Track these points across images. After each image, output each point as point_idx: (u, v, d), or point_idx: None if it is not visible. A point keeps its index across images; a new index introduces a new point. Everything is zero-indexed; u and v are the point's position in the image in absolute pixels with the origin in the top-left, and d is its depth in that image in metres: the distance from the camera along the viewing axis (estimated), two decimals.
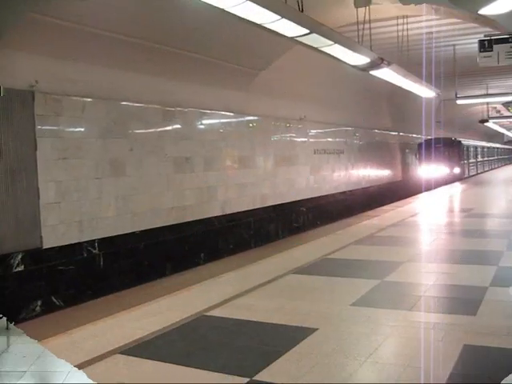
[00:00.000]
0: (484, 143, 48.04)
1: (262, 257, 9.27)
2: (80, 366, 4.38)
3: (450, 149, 30.62)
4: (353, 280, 7.34)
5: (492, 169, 48.93)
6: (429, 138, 30.26)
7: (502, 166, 57.00)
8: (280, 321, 5.57)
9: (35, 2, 8.77)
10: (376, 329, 5.16)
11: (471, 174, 36.53)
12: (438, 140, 29.96)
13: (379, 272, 7.57)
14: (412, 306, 5.86)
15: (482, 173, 40.68)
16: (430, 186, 23.34)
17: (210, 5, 6.63)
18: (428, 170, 29.51)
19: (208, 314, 5.86)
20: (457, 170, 30.66)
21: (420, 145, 30.89)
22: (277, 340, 5.04)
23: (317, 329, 5.18)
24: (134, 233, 11.56)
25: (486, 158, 46.45)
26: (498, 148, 57.92)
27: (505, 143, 62.73)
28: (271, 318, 5.67)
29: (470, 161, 37.09)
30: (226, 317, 5.80)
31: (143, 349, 4.85)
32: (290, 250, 9.94)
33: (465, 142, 33.70)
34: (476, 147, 40.34)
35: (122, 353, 4.74)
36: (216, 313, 5.89)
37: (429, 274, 7.61)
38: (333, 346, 4.74)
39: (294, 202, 18.17)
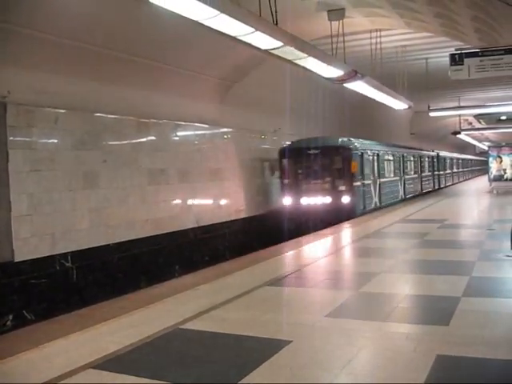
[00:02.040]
0: (446, 152, 40.58)
1: (239, 268, 9.23)
2: (51, 382, 4.31)
3: (336, 160, 17.94)
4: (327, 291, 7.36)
5: (456, 182, 44.17)
6: (298, 141, 18.76)
7: (470, 178, 54.45)
8: (254, 333, 5.54)
9: (7, 13, 8.68)
10: (350, 340, 5.17)
11: (426, 189, 30.47)
12: (312, 143, 18.03)
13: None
14: (386, 317, 5.89)
15: (440, 188, 34.95)
16: (304, 228, 15.07)
17: (185, 17, 6.65)
18: (296, 198, 17.82)
19: (183, 326, 5.81)
20: (346, 199, 17.49)
21: (283, 152, 18.18)
22: (251, 352, 5.01)
23: (291, 341, 5.16)
24: (108, 245, 11.45)
25: (448, 171, 40.34)
26: (465, 159, 53.98)
27: (477, 154, 63.64)
28: (246, 330, 5.65)
29: (424, 174, 30.69)
30: (200, 329, 5.75)
31: (116, 363, 4.78)
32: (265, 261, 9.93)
33: (376, 147, 21.40)
34: (431, 157, 32.90)
35: (95, 367, 4.67)
36: (191, 325, 5.85)
37: (403, 284, 7.67)
38: (307, 358, 4.74)
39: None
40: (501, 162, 28.72)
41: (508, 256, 9.09)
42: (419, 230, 13.56)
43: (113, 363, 4.77)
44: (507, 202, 22.33)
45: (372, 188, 19.87)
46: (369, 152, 19.74)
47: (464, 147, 58.70)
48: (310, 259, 9.88)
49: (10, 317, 9.21)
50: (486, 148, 38.25)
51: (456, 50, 10.59)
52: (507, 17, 9.97)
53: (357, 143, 18.76)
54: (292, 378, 4.32)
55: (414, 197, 26.36)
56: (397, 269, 8.82)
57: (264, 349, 5.04)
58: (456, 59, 10.37)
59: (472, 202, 24.82)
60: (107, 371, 4.59)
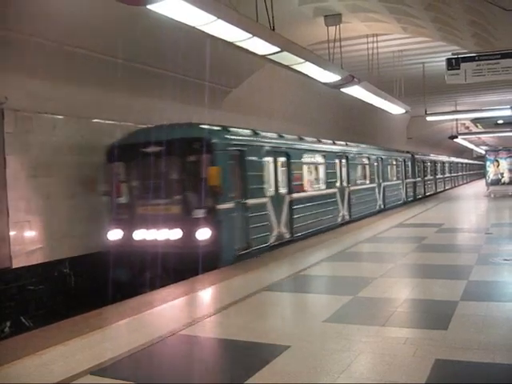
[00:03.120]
0: (433, 156, 35.74)
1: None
2: None
3: (188, 164, 10.70)
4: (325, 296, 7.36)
5: (451, 187, 42.20)
6: (134, 132, 11.52)
7: (466, 183, 53.14)
8: (252, 339, 5.54)
9: (5, 19, 8.69)
10: (349, 345, 5.16)
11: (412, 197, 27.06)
12: (154, 134, 10.70)
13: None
14: (384, 322, 5.89)
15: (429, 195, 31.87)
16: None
17: (183, 23, 6.67)
18: (127, 230, 10.75)
19: (180, 332, 5.81)
20: (203, 234, 10.05)
21: (111, 152, 10.89)
22: (249, 358, 5.01)
23: (289, 346, 5.16)
24: None
25: (440, 176, 36.87)
26: (460, 163, 51.33)
27: (474, 158, 63.74)
28: (243, 335, 5.64)
29: (407, 181, 26.26)
30: (197, 335, 5.75)
31: (114, 369, 4.77)
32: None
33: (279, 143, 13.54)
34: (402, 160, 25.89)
35: (93, 374, 4.66)
36: (188, 331, 5.84)
37: (401, 289, 7.68)
38: (306, 363, 4.73)
39: None
40: (498, 165, 28.77)
41: (506, 260, 9.11)
42: (417, 234, 13.57)
43: (111, 369, 4.76)
44: (504, 206, 22.36)
45: (271, 211, 12.22)
46: (265, 151, 12.22)
47: (461, 151, 58.80)
48: (310, 263, 9.88)
49: (8, 323, 9.17)
50: (484, 152, 38.22)
51: (452, 54, 10.63)
52: (504, 21, 10.02)
53: (231, 134, 11.10)
54: (290, 383, 4.32)
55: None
56: (395, 273, 8.83)
57: (262, 355, 5.04)
58: (453, 64, 10.41)
59: (470, 206, 24.84)
60: (105, 377, 4.58)
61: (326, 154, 16.25)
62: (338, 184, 17.04)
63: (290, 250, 11.68)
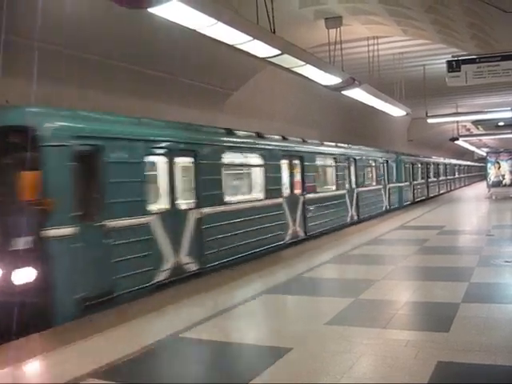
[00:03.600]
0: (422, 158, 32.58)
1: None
2: None
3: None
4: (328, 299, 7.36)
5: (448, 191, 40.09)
6: None
7: (464, 185, 51.10)
8: (255, 341, 5.54)
9: (7, 23, 8.69)
10: (350, 347, 5.16)
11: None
12: None
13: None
14: (386, 324, 5.89)
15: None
16: None
17: (184, 26, 6.68)
18: None
19: (183, 335, 5.81)
20: (22, 276, 6.53)
21: None
22: (252, 360, 5.01)
23: (291, 348, 5.16)
24: None
25: (433, 179, 34.22)
26: (458, 165, 48.56)
27: (475, 160, 63.67)
28: (245, 338, 5.65)
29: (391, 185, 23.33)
30: (200, 338, 5.75)
31: (117, 372, 4.77)
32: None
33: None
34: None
35: (95, 376, 4.66)
36: (190, 334, 5.84)
37: (402, 291, 7.67)
38: (308, 365, 4.73)
39: None
40: (499, 167, 28.75)
41: (507, 262, 9.10)
42: (418, 236, 13.56)
43: (114, 372, 4.76)
44: (506, 208, 22.34)
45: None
46: (153, 149, 8.98)
47: (463, 153, 58.77)
48: (312, 265, 9.87)
49: None
50: (485, 154, 38.15)
51: (453, 56, 10.63)
52: (503, 23, 10.02)
53: (82, 121, 7.81)
54: None
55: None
56: (396, 275, 8.82)
57: (264, 357, 5.04)
58: (453, 66, 10.42)
59: (471, 208, 24.83)
60: (107, 380, 4.58)
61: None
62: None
63: (291, 253, 11.67)
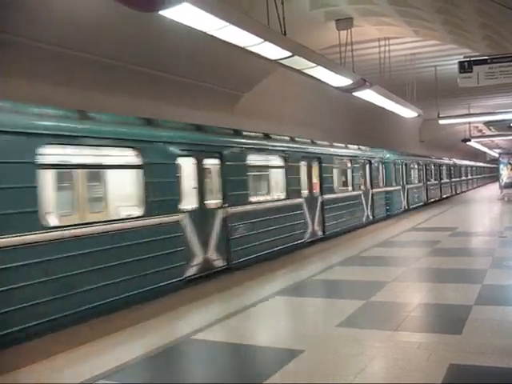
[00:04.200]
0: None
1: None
2: None
3: None
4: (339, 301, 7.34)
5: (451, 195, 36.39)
6: None
7: (474, 188, 49.55)
8: (266, 343, 5.54)
9: (3, 22, 8.54)
10: (362, 350, 5.14)
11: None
12: None
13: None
14: (398, 326, 5.86)
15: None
16: None
17: (195, 29, 6.69)
18: None
19: (194, 337, 5.81)
20: None
21: None
22: (263, 362, 5.01)
23: (303, 350, 5.15)
24: None
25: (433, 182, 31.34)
26: (466, 166, 46.17)
27: (487, 162, 63.25)
28: (257, 340, 5.64)
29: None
30: (211, 340, 5.75)
31: (127, 374, 4.79)
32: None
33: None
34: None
35: (105, 378, 4.68)
36: (202, 336, 5.84)
37: (414, 293, 7.64)
38: (320, 368, 4.72)
39: None
40: (511, 169, 28.56)
41: None
42: (430, 238, 13.50)
43: (123, 374, 4.77)
44: None
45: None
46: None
47: (475, 154, 58.46)
48: (323, 267, 9.86)
49: None
50: (497, 155, 37.87)
51: (465, 57, 10.58)
52: None
53: None
54: None
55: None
56: (408, 277, 8.78)
57: (276, 359, 5.03)
58: (465, 67, 10.36)
59: (483, 209, 24.66)
60: (117, 382, 4.59)
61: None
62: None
63: (302, 255, 11.66)
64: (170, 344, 5.55)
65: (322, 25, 13.01)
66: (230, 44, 7.50)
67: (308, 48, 9.08)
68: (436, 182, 31.63)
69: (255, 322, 6.50)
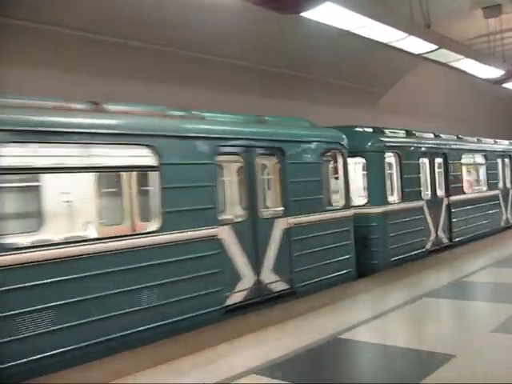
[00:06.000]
0: None
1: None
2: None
3: None
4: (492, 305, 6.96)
5: None
6: None
7: None
8: (413, 345, 5.39)
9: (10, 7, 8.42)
10: None
11: None
12: None
13: None
14: None
15: None
16: None
17: (335, 27, 6.69)
18: None
19: (342, 336, 5.79)
20: None
21: None
22: (411, 365, 4.88)
23: (454, 355, 4.93)
24: None
25: None
26: None
27: None
28: (404, 342, 5.51)
29: None
30: (358, 340, 5.71)
31: (276, 370, 4.88)
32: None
33: None
34: None
35: (257, 373, 4.80)
36: (349, 336, 5.81)
37: None
38: (473, 374, 4.50)
39: None
40: None
41: None
42: None
43: (272, 369, 4.87)
44: None
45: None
46: None
47: None
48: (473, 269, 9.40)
49: None
50: None
51: None
52: None
53: None
54: None
55: None
56: None
57: (424, 363, 4.88)
58: None
59: None
60: (267, 377, 4.69)
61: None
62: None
63: (448, 256, 11.19)
64: (318, 342, 5.59)
65: (468, 14, 12.41)
66: (372, 41, 7.41)
67: (454, 40, 8.73)
68: None
69: (401, 323, 6.35)
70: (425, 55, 8.43)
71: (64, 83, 8.11)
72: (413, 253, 10.56)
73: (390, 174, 10.84)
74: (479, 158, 15.00)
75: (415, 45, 7.83)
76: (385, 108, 15.51)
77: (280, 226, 7.72)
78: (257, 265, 7.43)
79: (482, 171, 15.30)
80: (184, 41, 9.56)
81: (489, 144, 15.89)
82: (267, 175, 9.33)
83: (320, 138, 8.69)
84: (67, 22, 8.06)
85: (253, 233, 7.40)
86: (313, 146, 8.54)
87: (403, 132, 11.60)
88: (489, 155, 15.19)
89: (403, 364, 4.99)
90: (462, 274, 8.90)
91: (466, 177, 14.08)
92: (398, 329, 6.09)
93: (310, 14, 6.19)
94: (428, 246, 11.39)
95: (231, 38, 10.14)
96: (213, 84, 10.56)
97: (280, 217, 7.82)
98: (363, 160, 10.14)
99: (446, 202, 11.24)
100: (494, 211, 14.85)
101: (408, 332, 5.91)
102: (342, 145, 8.99)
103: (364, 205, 9.94)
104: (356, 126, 10.65)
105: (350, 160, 9.33)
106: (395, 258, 9.98)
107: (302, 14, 6.24)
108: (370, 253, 9.62)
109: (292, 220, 7.87)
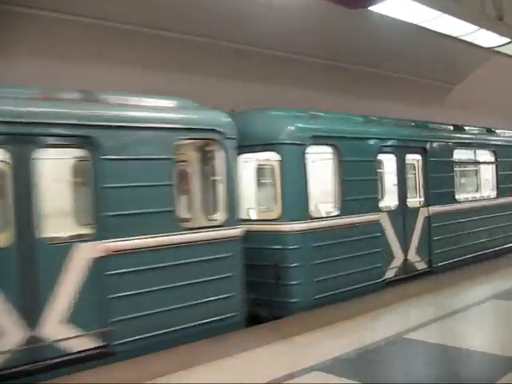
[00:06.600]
0: None
1: None
2: (277, 381, 4.52)
3: None
4: None
5: None
6: None
7: None
8: (482, 348, 5.23)
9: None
10: None
11: None
12: None
13: None
14: None
15: None
16: None
17: (405, 21, 6.58)
18: None
19: (407, 336, 5.69)
20: None
21: None
22: (479, 368, 4.74)
23: None
24: None
25: None
26: None
27: None
28: (471, 344, 5.36)
29: None
30: (424, 340, 5.59)
31: (341, 367, 4.84)
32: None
33: None
34: None
35: (320, 370, 4.78)
36: (415, 335, 5.70)
37: None
38: None
39: None
40: None
41: None
42: None
43: (337, 367, 4.83)
44: None
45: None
46: None
47: None
48: None
49: None
50: None
51: None
52: None
53: None
54: None
55: None
56: None
57: (493, 366, 4.73)
58: None
59: None
60: (332, 374, 4.66)
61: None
62: None
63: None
64: (384, 341, 5.52)
65: None
66: (442, 35, 7.24)
67: None
68: None
69: (469, 325, 6.18)
70: (496, 49, 8.15)
71: None
72: (357, 286, 7.84)
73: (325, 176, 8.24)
74: (485, 155, 11.91)
75: (486, 38, 7.59)
76: (453, 104, 15.09)
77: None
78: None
79: (489, 172, 11.99)
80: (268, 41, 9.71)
81: (502, 137, 12.43)
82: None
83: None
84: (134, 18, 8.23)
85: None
86: None
87: (360, 118, 8.92)
88: (499, 151, 11.78)
89: (469, 366, 4.86)
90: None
91: (460, 179, 11.55)
92: (465, 330, 5.90)
93: (378, 8, 6.10)
94: (389, 274, 8.68)
95: (306, 38, 10.20)
96: (294, 81, 10.82)
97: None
98: (278, 156, 7.26)
99: (424, 213, 9.08)
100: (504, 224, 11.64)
101: (473, 334, 5.70)
102: (220, 132, 6.36)
103: (276, 219, 7.31)
104: (271, 109, 7.77)
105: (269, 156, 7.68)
106: (323, 295, 7.31)
107: (370, 8, 6.16)
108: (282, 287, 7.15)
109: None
